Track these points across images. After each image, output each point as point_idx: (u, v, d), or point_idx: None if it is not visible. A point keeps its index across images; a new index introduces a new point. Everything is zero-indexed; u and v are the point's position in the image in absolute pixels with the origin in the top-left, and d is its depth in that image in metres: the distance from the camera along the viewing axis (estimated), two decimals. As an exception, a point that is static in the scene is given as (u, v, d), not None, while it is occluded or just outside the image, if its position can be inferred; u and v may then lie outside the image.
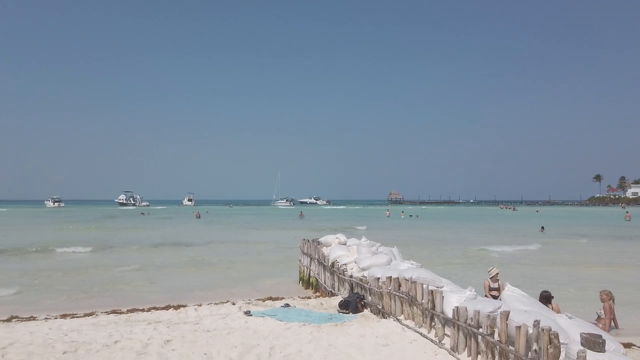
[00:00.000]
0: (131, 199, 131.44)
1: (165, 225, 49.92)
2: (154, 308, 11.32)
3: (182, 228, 45.16)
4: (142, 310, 11.09)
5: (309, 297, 12.41)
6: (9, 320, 10.31)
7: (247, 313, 9.83)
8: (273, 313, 9.67)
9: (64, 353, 6.90)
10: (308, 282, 14.86)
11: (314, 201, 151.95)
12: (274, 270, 18.49)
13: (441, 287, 8.04)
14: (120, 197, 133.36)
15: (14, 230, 40.50)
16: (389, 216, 67.14)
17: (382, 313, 9.04)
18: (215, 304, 11.45)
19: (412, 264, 9.98)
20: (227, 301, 11.81)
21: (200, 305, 11.30)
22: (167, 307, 11.26)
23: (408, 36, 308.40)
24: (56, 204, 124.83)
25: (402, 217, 65.77)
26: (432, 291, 7.51)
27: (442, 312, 7.10)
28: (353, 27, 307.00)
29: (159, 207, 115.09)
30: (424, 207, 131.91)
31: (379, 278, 9.36)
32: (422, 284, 7.90)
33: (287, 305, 10.71)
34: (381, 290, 9.10)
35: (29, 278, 16.86)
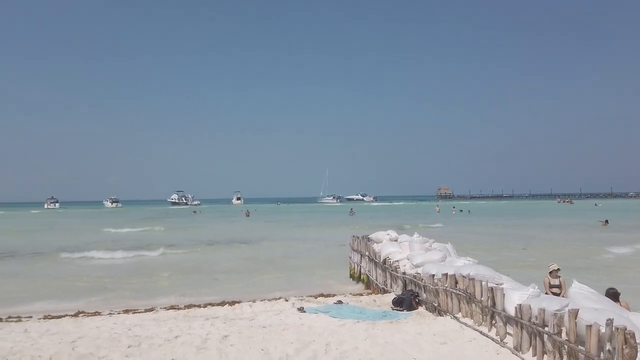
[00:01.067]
0: (183, 198, 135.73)
1: (217, 223, 51.24)
2: (210, 304, 11.61)
3: (234, 226, 46.21)
4: (199, 306, 11.41)
5: (361, 294, 12.34)
6: (76, 315, 10.88)
7: (301, 309, 9.89)
8: (326, 310, 9.68)
9: (128, 347, 7.18)
10: (359, 279, 14.80)
11: (361, 198, 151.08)
12: (324, 267, 18.53)
13: (501, 284, 7.76)
14: (173, 196, 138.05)
15: (76, 232, 42.73)
16: (439, 212, 65.86)
17: (438, 311, 8.84)
18: (269, 300, 11.61)
19: (468, 261, 9.71)
20: (280, 298, 11.94)
21: (254, 301, 11.49)
22: (222, 303, 11.52)
23: (447, 33, 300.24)
24: (114, 204, 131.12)
25: (454, 212, 64.28)
26: (492, 288, 7.25)
27: (504, 310, 6.84)
28: (391, 25, 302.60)
29: (209, 206, 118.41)
30: (481, 201, 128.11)
31: (434, 275, 9.16)
32: (480, 281, 7.65)
33: (339, 302, 10.69)
34: (437, 287, 8.90)
35: (93, 278, 17.73)
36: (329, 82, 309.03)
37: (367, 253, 13.86)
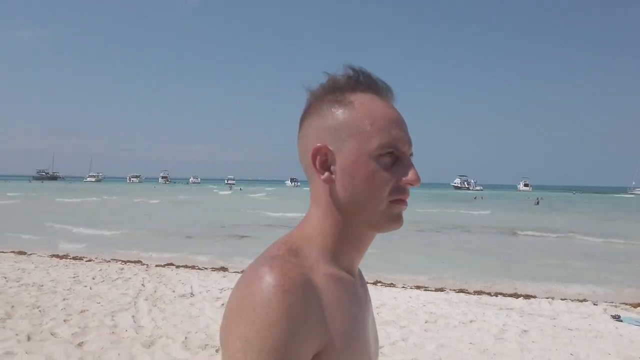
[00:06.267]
0: (465, 183, 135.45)
1: (501, 210, 48.90)
2: (501, 294, 11.09)
3: (520, 215, 43.21)
4: (489, 294, 11.04)
5: None
6: (374, 283, 12.07)
7: (616, 318, 8.39)
8: (654, 324, 7.91)
9: (425, 322, 7.49)
10: (698, 293, 11.60)
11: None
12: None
13: None
14: (456, 180, 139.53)
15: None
16: None
17: None
18: (572, 300, 10.29)
19: None
20: (586, 300, 10.43)
21: (552, 298, 10.39)
22: (515, 295, 10.84)
23: None
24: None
25: None
26: None
27: None
28: None
29: (492, 192, 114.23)
30: None
31: None
32: None
33: (672, 317, 8.59)
34: None
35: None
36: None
37: None
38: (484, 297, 10.45)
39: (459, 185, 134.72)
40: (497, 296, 10.77)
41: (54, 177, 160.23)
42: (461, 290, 11.42)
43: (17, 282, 9.67)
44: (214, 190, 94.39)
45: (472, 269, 15.25)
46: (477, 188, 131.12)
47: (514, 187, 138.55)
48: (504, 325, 7.47)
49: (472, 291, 11.35)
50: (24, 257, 14.27)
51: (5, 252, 15.14)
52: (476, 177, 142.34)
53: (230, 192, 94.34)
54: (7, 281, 9.69)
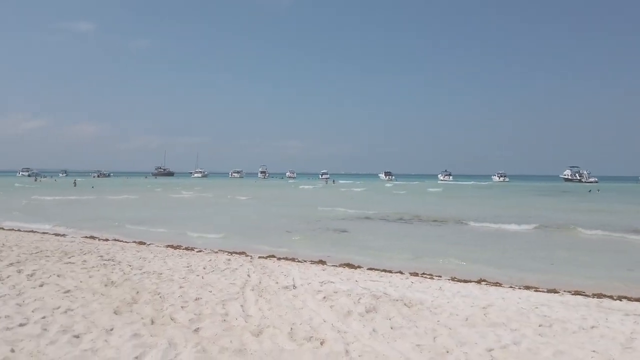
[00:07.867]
0: (577, 175, 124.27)
1: (623, 205, 44.13)
2: (625, 297, 10.02)
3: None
4: (611, 297, 10.01)
5: None
6: (479, 282, 11.49)
7: None
8: None
9: (539, 325, 6.96)
10: None
11: None
12: None
13: None
14: (566, 172, 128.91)
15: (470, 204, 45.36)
16: None
17: None
18: None
19: None
20: None
21: (690, 305, 9.14)
22: (643, 300, 9.72)
23: None
24: (502, 178, 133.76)
25: None
26: None
27: None
28: None
29: (610, 184, 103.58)
30: None
31: None
32: None
33: None
34: None
35: (496, 247, 18.40)
36: None
37: None
38: (606, 301, 9.49)
39: (570, 178, 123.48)
40: (621, 300, 9.75)
41: (170, 174, 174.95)
42: (577, 293, 10.49)
43: (140, 269, 10.65)
44: (309, 185, 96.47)
45: (589, 270, 13.92)
46: (591, 180, 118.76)
47: (635, 179, 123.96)
48: (632, 333, 6.71)
49: (591, 294, 10.37)
50: (143, 247, 15.71)
51: (127, 242, 16.80)
52: (589, 168, 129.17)
53: (324, 185, 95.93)
54: (131, 269, 10.73)
